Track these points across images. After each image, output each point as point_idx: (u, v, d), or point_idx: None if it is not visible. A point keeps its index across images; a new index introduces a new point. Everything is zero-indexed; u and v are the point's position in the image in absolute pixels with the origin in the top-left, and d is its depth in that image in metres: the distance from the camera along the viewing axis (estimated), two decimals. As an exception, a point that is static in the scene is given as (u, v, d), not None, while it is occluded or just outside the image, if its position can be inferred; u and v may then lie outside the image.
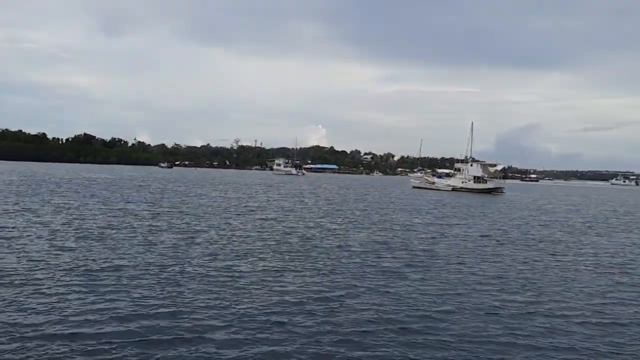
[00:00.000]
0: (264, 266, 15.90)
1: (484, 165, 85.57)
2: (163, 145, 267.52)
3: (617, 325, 11.57)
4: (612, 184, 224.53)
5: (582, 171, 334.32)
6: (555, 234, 28.53)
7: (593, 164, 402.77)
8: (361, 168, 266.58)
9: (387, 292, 13.50)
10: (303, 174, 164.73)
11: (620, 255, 21.81)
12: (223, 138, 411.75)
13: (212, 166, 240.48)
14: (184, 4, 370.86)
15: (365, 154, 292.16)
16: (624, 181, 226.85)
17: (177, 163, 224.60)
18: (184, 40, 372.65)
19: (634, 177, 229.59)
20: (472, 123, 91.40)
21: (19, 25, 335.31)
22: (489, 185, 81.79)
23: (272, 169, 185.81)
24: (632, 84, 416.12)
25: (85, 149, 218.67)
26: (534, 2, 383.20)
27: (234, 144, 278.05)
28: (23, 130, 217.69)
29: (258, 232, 23.66)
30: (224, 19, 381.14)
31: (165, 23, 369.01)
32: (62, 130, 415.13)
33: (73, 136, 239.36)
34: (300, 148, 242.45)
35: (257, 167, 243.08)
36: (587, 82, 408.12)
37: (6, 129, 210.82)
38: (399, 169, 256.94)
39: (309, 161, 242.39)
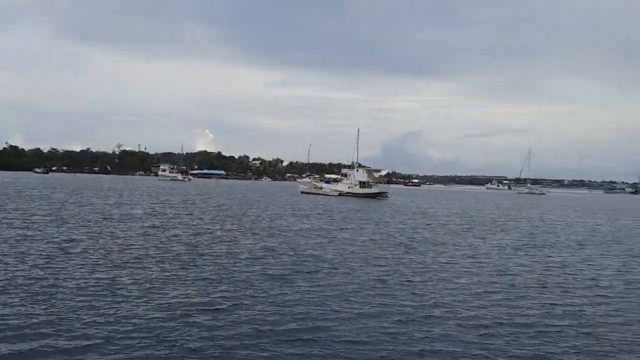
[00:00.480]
0: (146, 277, 15.29)
1: (369, 171, 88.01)
2: (38, 149, 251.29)
3: (493, 327, 12.09)
4: (487, 188, 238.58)
5: (460, 176, 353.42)
6: (437, 237, 29.76)
7: (471, 169, 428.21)
8: (250, 173, 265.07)
9: (275, 299, 13.42)
10: (189, 179, 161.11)
11: (494, 256, 23.08)
12: (104, 142, 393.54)
13: (93, 172, 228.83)
14: (67, 1, 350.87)
15: (254, 159, 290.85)
16: (498, 185, 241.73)
17: (53, 169, 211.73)
18: (63, 40, 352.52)
19: (507, 181, 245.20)
20: (359, 130, 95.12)
21: None
22: (374, 190, 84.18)
23: (157, 175, 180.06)
24: (509, 93, 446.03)
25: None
26: (419, 13, 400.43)
27: (116, 149, 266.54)
28: None
29: (141, 241, 22.75)
30: (109, 18, 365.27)
31: (44, 21, 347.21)
32: None
33: None
34: (187, 153, 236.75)
35: (140, 172, 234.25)
36: (467, 90, 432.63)
37: None
38: (288, 175, 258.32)
39: (196, 166, 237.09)
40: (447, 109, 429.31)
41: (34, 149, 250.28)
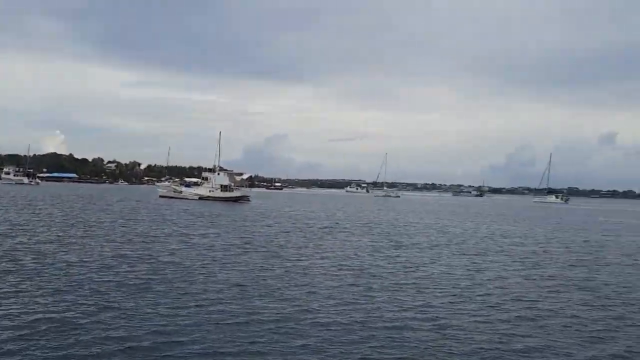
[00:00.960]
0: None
1: (231, 174, 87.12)
2: None
3: (351, 327, 12.22)
4: (346, 191, 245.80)
5: (322, 180, 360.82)
6: (299, 240, 29.80)
7: (332, 173, 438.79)
8: (104, 177, 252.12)
9: (128, 309, 12.68)
10: (37, 183, 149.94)
11: (354, 258, 23.42)
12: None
13: None
14: None
15: (109, 162, 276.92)
16: (357, 189, 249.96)
17: None
18: None
19: (365, 185, 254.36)
20: (220, 132, 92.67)
21: None
22: (236, 193, 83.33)
23: (0, 178, 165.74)
24: (369, 99, 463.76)
25: None
26: (283, 17, 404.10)
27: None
28: None
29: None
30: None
31: None
32: None
33: None
34: (34, 155, 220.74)
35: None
36: (329, 95, 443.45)
37: None
38: (146, 178, 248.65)
39: (45, 169, 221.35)
40: (311, 113, 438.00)
41: None
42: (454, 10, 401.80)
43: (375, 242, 30.85)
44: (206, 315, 12.55)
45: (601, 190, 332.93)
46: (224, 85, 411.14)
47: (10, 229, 29.00)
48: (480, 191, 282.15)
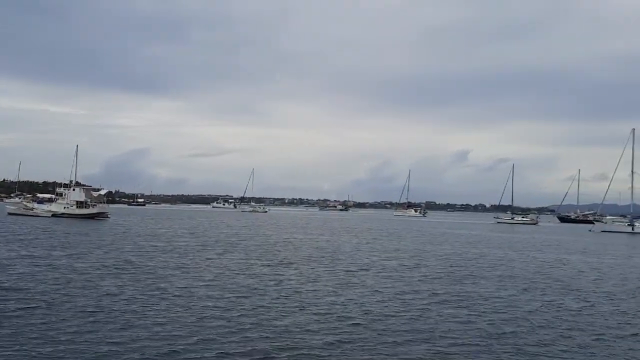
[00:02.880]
0: None
1: (87, 190, 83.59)
2: None
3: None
4: (213, 207, 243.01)
5: (188, 195, 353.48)
6: (172, 260, 29.66)
7: (199, 188, 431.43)
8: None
9: None
10: None
11: (226, 276, 23.93)
12: None
13: None
14: None
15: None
16: (224, 204, 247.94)
17: None
18: None
19: (232, 200, 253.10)
20: (77, 146, 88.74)
21: None
22: (92, 210, 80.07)
23: None
24: (237, 114, 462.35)
25: None
26: (144, 28, 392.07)
27: None
28: None
29: None
30: None
31: None
32: None
33: None
34: None
35: None
36: (195, 110, 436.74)
37: None
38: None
39: None
40: (175, 127, 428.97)
41: None
42: (322, 29, 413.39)
43: (245, 259, 31.48)
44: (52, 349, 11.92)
45: (456, 205, 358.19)
46: (81, 97, 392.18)
47: None
48: (346, 205, 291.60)
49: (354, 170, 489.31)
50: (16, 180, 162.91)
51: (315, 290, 20.53)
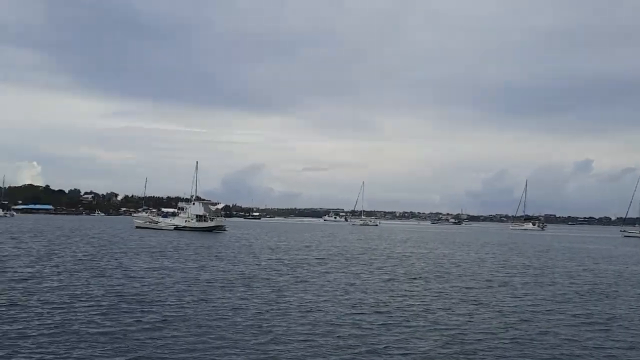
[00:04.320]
0: None
1: (206, 204, 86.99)
2: None
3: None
4: (324, 220, 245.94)
5: (300, 209, 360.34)
6: (293, 272, 29.77)
7: (310, 202, 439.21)
8: (81, 208, 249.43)
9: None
10: (12, 215, 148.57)
11: (354, 291, 23.62)
12: None
13: None
14: None
15: (86, 193, 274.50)
16: (335, 218, 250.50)
17: None
18: None
19: (343, 214, 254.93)
20: (197, 162, 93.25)
21: None
22: (211, 223, 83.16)
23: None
24: (341, 128, 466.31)
25: None
26: (249, 50, 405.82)
27: None
28: None
29: None
30: None
31: None
32: None
33: None
34: (10, 187, 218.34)
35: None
36: (305, 125, 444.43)
37: None
38: (124, 209, 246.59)
39: (20, 201, 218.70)
40: (287, 142, 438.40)
41: None
42: (426, 40, 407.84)
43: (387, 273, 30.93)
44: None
45: (578, 217, 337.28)
46: (200, 117, 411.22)
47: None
48: (459, 219, 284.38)
49: (467, 182, 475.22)
50: (143, 195, 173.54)
51: (447, 309, 19.21)
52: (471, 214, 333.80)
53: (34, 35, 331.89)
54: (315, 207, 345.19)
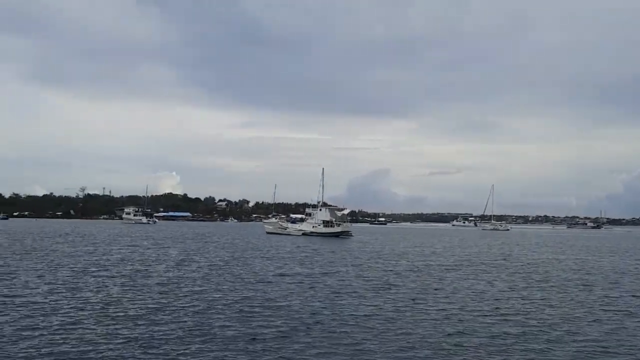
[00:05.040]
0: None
1: (332, 210, 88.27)
2: None
3: None
4: (453, 225, 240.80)
5: (426, 213, 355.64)
6: (424, 277, 29.40)
7: (436, 206, 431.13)
8: (215, 215, 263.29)
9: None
10: (154, 222, 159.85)
11: (505, 297, 23.11)
12: (68, 187, 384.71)
13: (56, 216, 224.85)
14: (28, 45, 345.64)
15: (220, 200, 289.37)
16: (464, 222, 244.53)
17: (15, 214, 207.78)
18: (19, 84, 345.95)
19: (472, 218, 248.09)
20: (323, 169, 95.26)
21: None
22: (337, 229, 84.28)
23: (121, 218, 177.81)
24: (466, 131, 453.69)
25: None
26: (373, 55, 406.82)
27: (80, 193, 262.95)
28: None
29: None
30: (69, 60, 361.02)
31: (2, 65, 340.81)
32: None
33: None
34: (152, 196, 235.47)
35: (104, 216, 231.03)
36: (429, 128, 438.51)
37: None
38: (255, 215, 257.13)
39: (161, 209, 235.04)
40: (410, 147, 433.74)
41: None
42: (551, 37, 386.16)
43: (517, 280, 29.61)
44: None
45: None
46: (325, 124, 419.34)
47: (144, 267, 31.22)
48: (597, 223, 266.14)
49: (605, 184, 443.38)
50: (272, 202, 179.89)
51: (593, 320, 17.68)
52: (612, 217, 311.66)
53: (170, 52, 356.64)
54: (441, 211, 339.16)
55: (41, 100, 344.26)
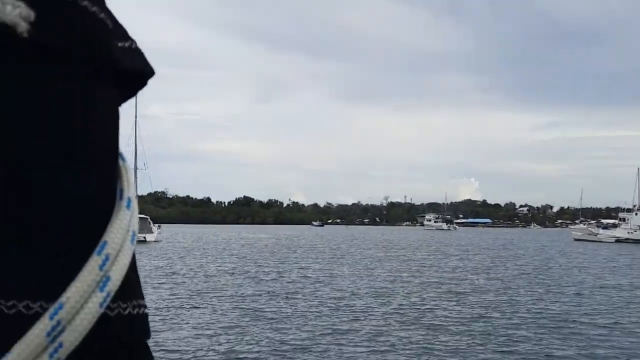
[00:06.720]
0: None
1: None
2: (316, 204, 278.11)
3: None
4: None
5: None
6: None
7: None
8: (517, 221, 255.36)
9: None
10: (455, 228, 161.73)
11: None
12: (372, 195, 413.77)
13: (363, 223, 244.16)
14: (334, 67, 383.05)
15: (521, 206, 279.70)
16: None
17: (329, 221, 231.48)
18: (330, 102, 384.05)
19: None
20: (639, 169, 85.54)
21: (188, 99, 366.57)
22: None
23: (422, 225, 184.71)
24: None
25: (245, 211, 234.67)
26: None
27: (384, 201, 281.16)
28: (190, 196, 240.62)
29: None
30: (368, 78, 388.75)
31: (315, 87, 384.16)
32: (224, 193, 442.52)
33: (234, 199, 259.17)
34: (451, 202, 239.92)
35: (407, 223, 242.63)
36: None
37: (176, 195, 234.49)
38: (559, 221, 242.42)
39: (461, 215, 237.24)
40: None
41: (312, 204, 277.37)
42: None
43: None
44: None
45: None
46: (635, 119, 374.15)
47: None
48: None
49: None
50: (579, 207, 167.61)
51: None
52: None
53: (466, 59, 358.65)
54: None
55: (347, 116, 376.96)
